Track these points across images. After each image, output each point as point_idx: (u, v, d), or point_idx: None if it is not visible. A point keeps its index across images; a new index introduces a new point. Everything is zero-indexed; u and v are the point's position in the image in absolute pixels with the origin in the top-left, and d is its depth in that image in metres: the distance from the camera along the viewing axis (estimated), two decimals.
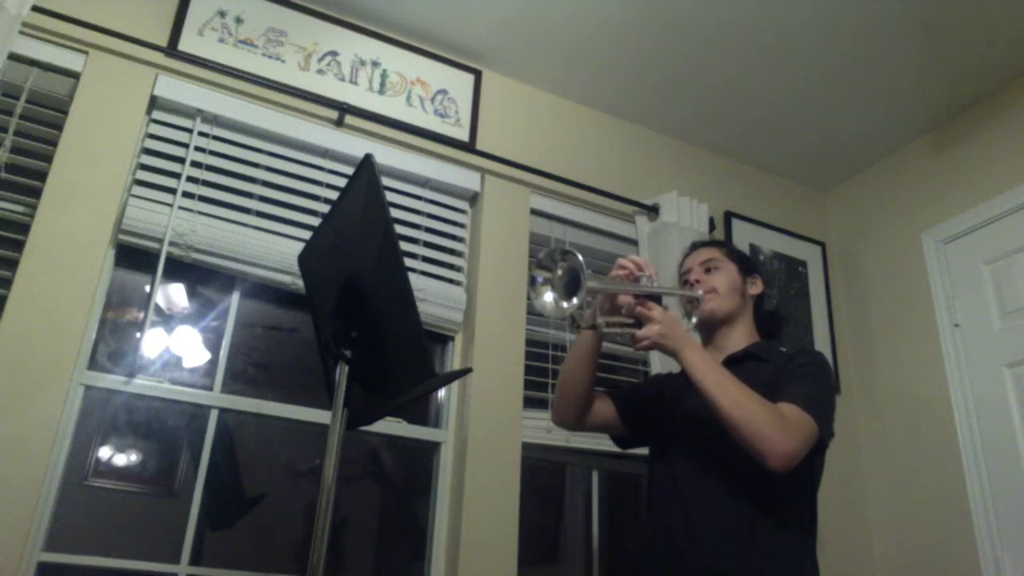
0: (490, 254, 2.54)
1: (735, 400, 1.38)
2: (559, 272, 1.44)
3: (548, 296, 1.44)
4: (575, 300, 1.38)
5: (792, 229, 3.21)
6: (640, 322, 1.48)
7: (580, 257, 1.38)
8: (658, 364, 2.46)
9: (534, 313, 2.22)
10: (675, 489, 1.55)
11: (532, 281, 1.46)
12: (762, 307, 1.77)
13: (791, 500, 1.47)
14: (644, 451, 1.77)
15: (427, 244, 2.51)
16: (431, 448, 2.37)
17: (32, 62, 2.11)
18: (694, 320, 1.67)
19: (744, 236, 3.05)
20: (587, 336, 1.60)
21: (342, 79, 2.52)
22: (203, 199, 2.21)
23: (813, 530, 1.53)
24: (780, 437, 1.35)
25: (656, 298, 1.52)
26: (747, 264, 1.78)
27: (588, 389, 1.66)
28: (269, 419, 2.18)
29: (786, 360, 1.56)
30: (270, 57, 2.42)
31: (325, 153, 2.43)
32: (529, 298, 1.46)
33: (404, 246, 2.42)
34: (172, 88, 2.24)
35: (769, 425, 1.35)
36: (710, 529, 1.48)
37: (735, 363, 1.61)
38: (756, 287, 1.75)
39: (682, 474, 1.55)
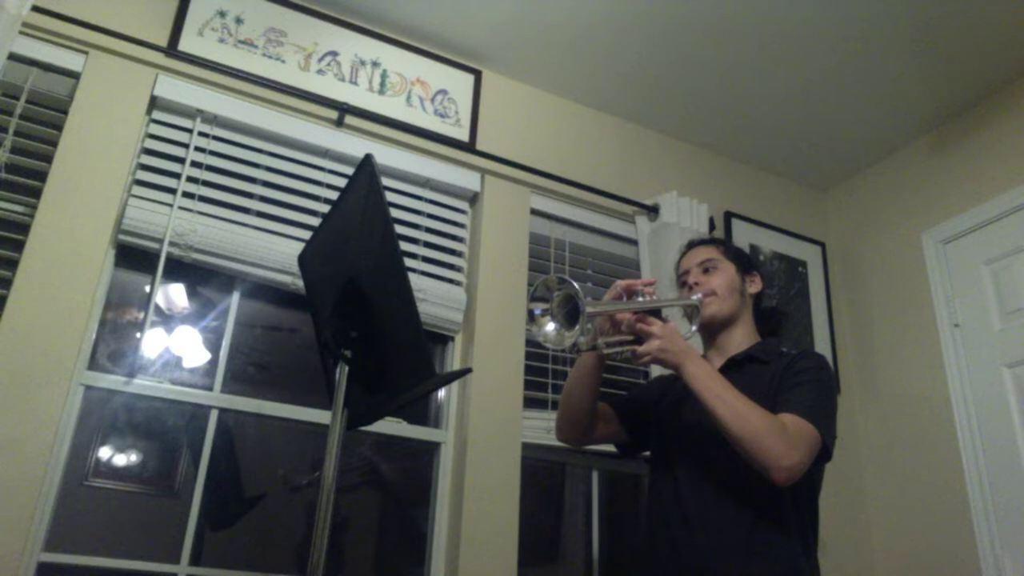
0: (490, 254, 2.54)
1: (738, 413, 1.37)
2: (556, 302, 1.44)
3: (549, 327, 1.44)
4: (576, 327, 1.38)
5: (792, 229, 3.21)
6: (640, 338, 1.48)
7: (576, 284, 1.38)
8: (659, 368, 2.46)
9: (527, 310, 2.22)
10: (676, 494, 1.55)
11: (530, 315, 1.46)
12: (761, 304, 1.77)
13: (790, 505, 1.47)
14: (645, 452, 1.77)
15: (427, 244, 2.51)
16: (431, 448, 2.37)
17: (32, 62, 2.11)
18: (694, 327, 1.66)
19: (744, 236, 3.05)
20: (589, 357, 1.59)
21: (342, 79, 2.52)
22: (203, 199, 2.21)
23: (814, 535, 1.53)
24: (783, 451, 1.34)
25: (655, 311, 1.52)
26: (745, 262, 1.77)
27: (592, 408, 1.66)
28: (269, 419, 2.18)
29: (787, 363, 1.55)
30: (270, 57, 2.42)
31: (325, 153, 2.43)
32: (529, 332, 1.47)
33: (404, 246, 2.42)
34: (172, 88, 2.24)
35: (772, 439, 1.35)
36: (710, 534, 1.47)
37: (735, 366, 1.61)
38: (755, 285, 1.75)
39: (683, 479, 1.55)
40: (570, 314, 1.42)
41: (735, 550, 1.45)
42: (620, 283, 1.55)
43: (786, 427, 1.38)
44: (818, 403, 1.46)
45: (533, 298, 1.46)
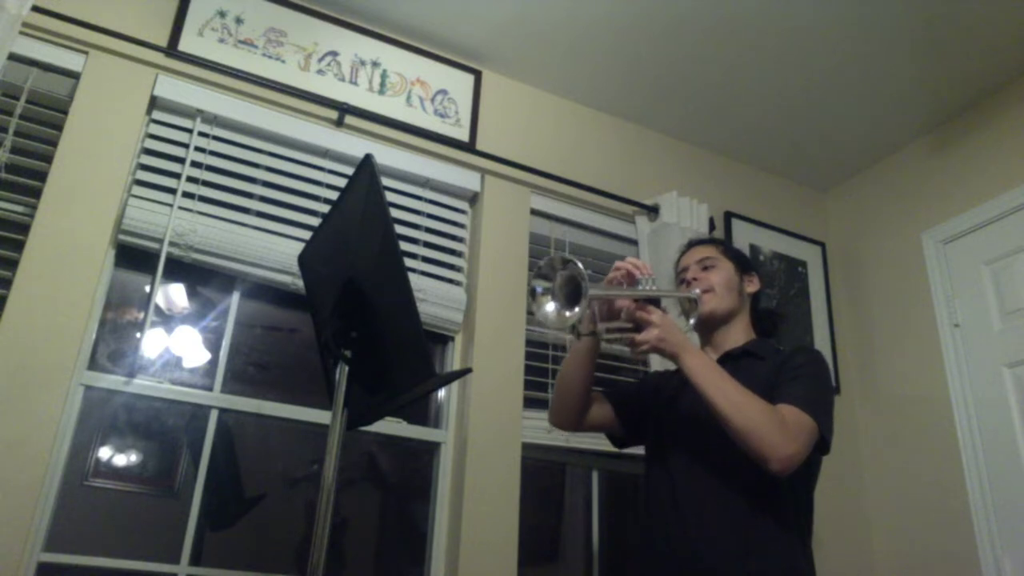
0: (490, 254, 2.54)
1: (735, 404, 1.37)
2: (559, 281, 1.43)
3: (550, 306, 1.43)
4: (577, 309, 1.37)
5: (792, 229, 3.21)
6: (639, 326, 1.48)
7: (580, 265, 1.37)
8: (658, 362, 2.46)
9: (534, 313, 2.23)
10: (671, 488, 1.55)
11: (532, 292, 1.45)
12: (758, 305, 1.77)
13: (787, 499, 1.48)
14: (638, 449, 1.77)
15: (427, 244, 2.51)
16: (431, 448, 2.37)
17: (32, 62, 2.11)
18: (692, 321, 1.66)
19: (744, 236, 3.05)
20: (585, 341, 1.59)
21: (342, 79, 2.52)
22: (203, 199, 2.21)
23: (809, 528, 1.53)
24: (781, 441, 1.35)
25: (655, 301, 1.52)
26: (743, 262, 1.78)
27: (586, 393, 1.66)
28: (269, 419, 2.18)
29: (784, 358, 1.56)
30: (270, 57, 2.42)
31: (325, 153, 2.43)
32: (530, 310, 1.46)
33: (404, 246, 2.42)
34: (172, 88, 2.24)
35: (770, 429, 1.35)
36: (705, 528, 1.48)
37: (732, 360, 1.62)
38: (752, 285, 1.75)
39: (678, 473, 1.55)
40: (571, 295, 1.41)
41: (732, 544, 1.45)
42: (621, 264, 1.54)
43: (784, 418, 1.38)
44: (815, 396, 1.47)
45: (537, 275, 1.45)
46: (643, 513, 1.67)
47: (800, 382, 1.48)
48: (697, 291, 1.67)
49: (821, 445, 1.45)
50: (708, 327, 1.70)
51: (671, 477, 1.56)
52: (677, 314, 1.77)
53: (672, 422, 1.63)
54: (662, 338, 1.45)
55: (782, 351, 1.62)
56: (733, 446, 1.39)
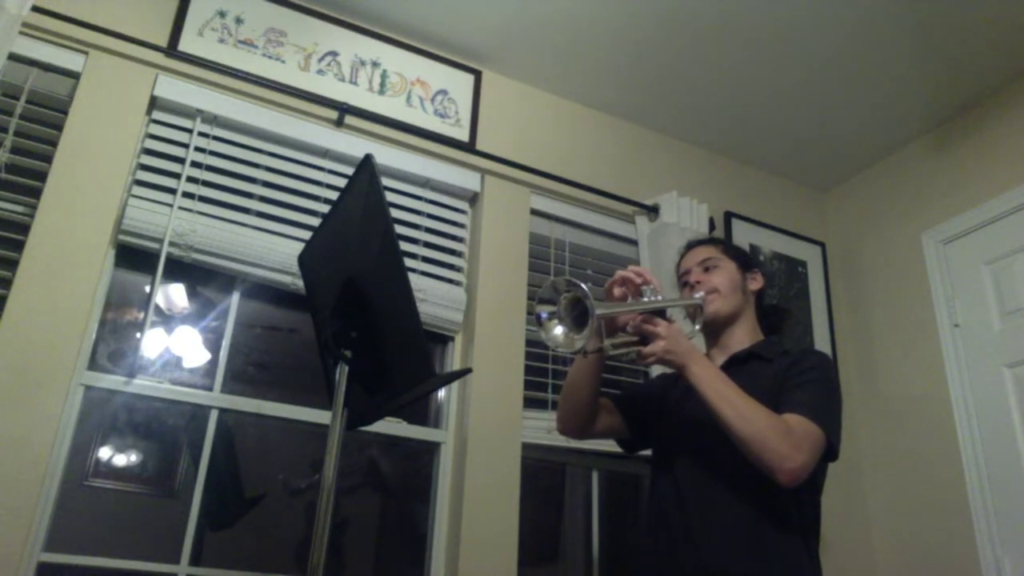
0: (490, 254, 2.54)
1: (742, 415, 1.37)
2: (564, 304, 1.41)
3: (558, 330, 1.41)
4: (586, 330, 1.36)
5: (792, 229, 3.21)
6: (645, 338, 1.47)
7: (584, 286, 1.36)
8: (660, 367, 2.45)
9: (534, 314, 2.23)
10: (677, 493, 1.54)
11: (537, 318, 1.43)
12: (763, 302, 1.77)
13: (792, 503, 1.47)
14: (646, 451, 1.77)
15: (427, 244, 2.51)
16: (431, 448, 2.37)
17: (32, 62, 2.11)
18: (697, 326, 1.65)
19: (744, 236, 3.05)
20: (591, 355, 1.59)
21: (342, 79, 2.52)
22: (203, 199, 2.21)
23: (816, 533, 1.52)
24: (788, 452, 1.34)
25: (660, 312, 1.51)
26: (745, 259, 1.76)
27: (593, 402, 1.65)
28: (269, 419, 2.18)
29: (790, 362, 1.55)
30: (270, 57, 2.42)
31: (325, 153, 2.43)
32: (537, 337, 1.44)
33: (404, 246, 2.42)
34: (172, 88, 2.24)
35: (777, 440, 1.34)
36: (710, 532, 1.47)
37: (739, 363, 1.61)
38: (756, 282, 1.74)
39: (683, 477, 1.55)
40: (579, 317, 1.39)
41: (737, 549, 1.44)
42: (630, 273, 1.52)
43: (791, 428, 1.37)
44: (823, 402, 1.46)
45: (540, 301, 1.43)
46: (646, 514, 1.67)
47: (806, 388, 1.47)
48: (701, 294, 1.66)
49: (828, 453, 1.43)
50: (714, 329, 1.69)
51: (675, 479, 1.56)
52: (683, 316, 1.76)
53: (677, 425, 1.62)
54: (668, 349, 1.44)
55: (789, 352, 1.61)
56: (737, 450, 1.38)
